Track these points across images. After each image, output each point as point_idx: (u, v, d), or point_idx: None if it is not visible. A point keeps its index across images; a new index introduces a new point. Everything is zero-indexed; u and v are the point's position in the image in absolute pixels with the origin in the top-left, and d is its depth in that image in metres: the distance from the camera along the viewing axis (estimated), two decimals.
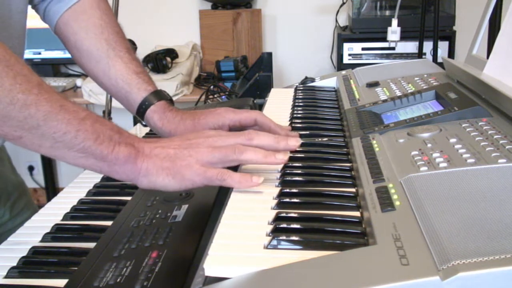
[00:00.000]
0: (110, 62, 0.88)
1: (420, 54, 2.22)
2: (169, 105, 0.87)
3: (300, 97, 1.10)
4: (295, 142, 0.69)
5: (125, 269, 0.58)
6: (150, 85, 0.88)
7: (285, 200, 0.61)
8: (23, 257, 0.66)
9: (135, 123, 1.94)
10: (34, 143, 0.60)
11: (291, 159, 0.74)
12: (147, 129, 1.13)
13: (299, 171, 0.70)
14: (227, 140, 0.67)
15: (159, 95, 0.87)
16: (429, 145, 0.67)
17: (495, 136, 0.65)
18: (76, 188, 0.88)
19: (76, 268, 0.61)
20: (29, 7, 0.90)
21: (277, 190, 0.64)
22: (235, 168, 0.69)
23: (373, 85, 1.08)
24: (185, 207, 0.72)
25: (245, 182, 0.63)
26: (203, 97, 1.72)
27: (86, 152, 0.61)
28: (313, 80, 1.24)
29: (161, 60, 2.48)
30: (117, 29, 0.91)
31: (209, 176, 0.63)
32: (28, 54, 2.72)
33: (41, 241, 0.71)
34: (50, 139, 0.59)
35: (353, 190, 0.64)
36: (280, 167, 0.71)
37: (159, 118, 0.85)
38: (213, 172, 0.64)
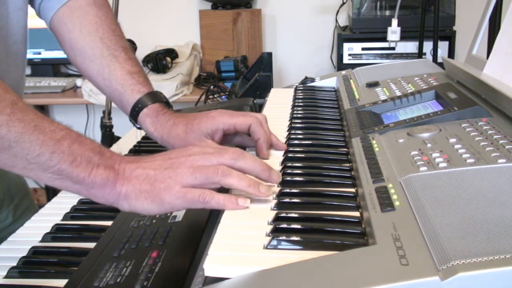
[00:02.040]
0: (104, 62, 0.84)
1: (420, 54, 2.22)
2: (163, 108, 0.82)
3: (300, 97, 1.10)
4: (277, 177, 0.64)
5: (125, 269, 0.58)
6: (144, 86, 0.84)
7: (285, 200, 0.61)
8: (23, 257, 0.66)
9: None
10: (7, 164, 0.57)
11: (291, 159, 0.74)
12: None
13: (299, 171, 0.70)
14: (210, 158, 0.61)
15: (154, 97, 0.83)
16: (429, 145, 0.67)
17: (494, 136, 0.65)
18: None
19: (76, 268, 0.61)
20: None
21: (277, 190, 0.64)
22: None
23: (373, 85, 1.08)
24: None
25: (230, 204, 0.59)
26: (203, 97, 1.72)
27: (61, 174, 0.57)
28: (313, 80, 1.24)
29: (161, 60, 2.48)
30: (113, 27, 0.88)
31: (189, 198, 0.59)
32: (28, 54, 2.69)
33: (41, 241, 0.71)
34: (24, 160, 0.56)
35: (353, 190, 0.63)
36: (280, 166, 0.71)
37: (151, 122, 0.81)
38: (194, 193, 0.59)
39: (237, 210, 0.59)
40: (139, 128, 0.85)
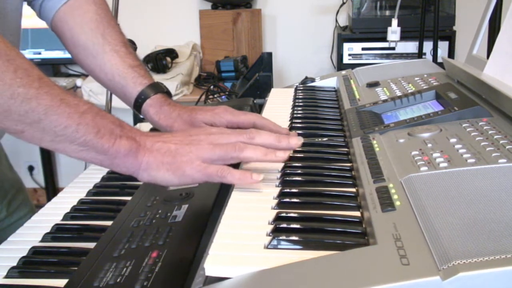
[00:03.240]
0: (106, 57, 0.87)
1: (420, 54, 2.22)
2: (166, 98, 0.86)
3: (300, 97, 1.10)
4: (296, 140, 0.69)
5: (125, 269, 0.58)
6: (146, 79, 0.87)
7: (285, 200, 0.61)
8: (23, 257, 0.66)
9: (135, 123, 1.94)
10: (35, 137, 0.60)
11: (291, 159, 0.74)
12: (147, 128, 1.13)
13: (299, 171, 0.70)
14: (228, 137, 0.67)
15: (155, 88, 0.86)
16: (429, 145, 0.67)
17: (495, 136, 0.65)
18: (76, 188, 0.87)
19: (76, 268, 0.61)
20: (25, 4, 0.89)
21: (277, 190, 0.64)
22: (236, 166, 0.69)
23: (373, 85, 1.08)
24: (185, 207, 0.72)
25: (245, 179, 0.63)
26: (203, 97, 1.72)
27: (87, 145, 0.61)
28: (313, 80, 1.24)
29: (161, 60, 2.48)
30: (112, 23, 0.91)
31: (209, 172, 0.64)
32: (28, 54, 2.73)
33: (41, 241, 0.71)
34: (51, 133, 0.59)
35: (354, 190, 0.63)
36: (280, 166, 0.71)
37: (156, 112, 0.85)
38: (213, 168, 0.64)
39: (249, 187, 0.64)
40: (143, 119, 0.89)
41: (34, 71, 0.60)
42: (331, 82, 1.22)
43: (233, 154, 0.65)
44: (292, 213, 0.57)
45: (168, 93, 0.88)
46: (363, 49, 2.41)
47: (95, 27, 0.88)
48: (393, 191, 0.57)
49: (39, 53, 2.75)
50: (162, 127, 0.84)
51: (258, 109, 1.13)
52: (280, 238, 0.51)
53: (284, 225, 0.54)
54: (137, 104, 0.86)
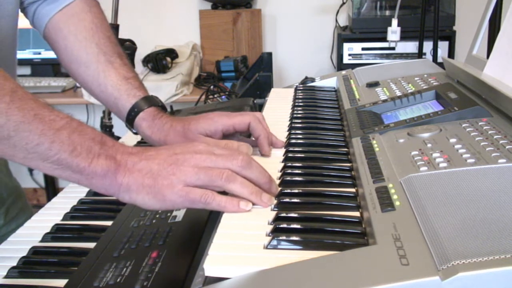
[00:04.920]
0: (100, 67, 0.84)
1: (420, 54, 2.22)
2: (159, 111, 0.82)
3: (300, 97, 1.10)
4: (275, 190, 0.63)
5: (125, 269, 0.58)
6: (140, 91, 0.83)
7: (285, 200, 0.61)
8: (23, 257, 0.66)
9: None
10: (6, 154, 0.57)
11: (291, 159, 0.74)
12: None
13: (299, 171, 0.70)
14: (216, 161, 0.60)
15: (149, 101, 0.83)
16: (429, 145, 0.67)
17: (495, 136, 0.65)
18: (76, 188, 0.88)
19: (76, 268, 0.61)
20: None
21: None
22: None
23: (373, 85, 1.08)
24: None
25: (231, 207, 0.58)
26: (203, 97, 1.72)
27: (61, 164, 0.57)
28: (313, 80, 1.24)
29: (161, 60, 2.48)
30: (108, 34, 0.88)
31: (191, 198, 0.58)
32: (28, 54, 2.73)
33: (41, 241, 0.71)
34: (23, 150, 0.56)
35: (353, 190, 0.63)
36: (280, 166, 0.71)
37: (148, 126, 0.81)
38: (196, 193, 0.58)
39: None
40: (135, 133, 0.84)
41: (7, 84, 0.56)
42: (331, 82, 1.22)
43: (219, 183, 0.59)
44: (292, 213, 0.57)
45: (162, 107, 0.84)
46: (363, 49, 2.41)
47: (90, 36, 0.85)
48: (392, 191, 0.57)
49: (39, 53, 2.75)
50: (155, 141, 0.80)
51: (258, 109, 1.13)
52: (280, 238, 0.51)
53: (284, 225, 0.54)
54: (130, 118, 0.82)
